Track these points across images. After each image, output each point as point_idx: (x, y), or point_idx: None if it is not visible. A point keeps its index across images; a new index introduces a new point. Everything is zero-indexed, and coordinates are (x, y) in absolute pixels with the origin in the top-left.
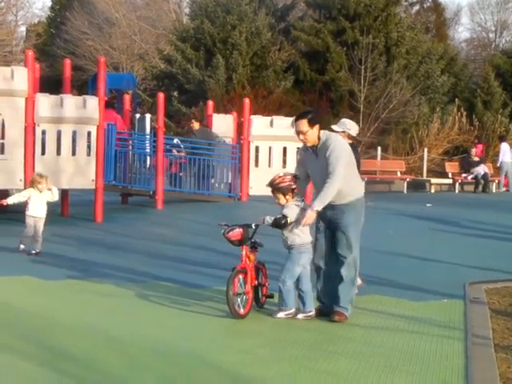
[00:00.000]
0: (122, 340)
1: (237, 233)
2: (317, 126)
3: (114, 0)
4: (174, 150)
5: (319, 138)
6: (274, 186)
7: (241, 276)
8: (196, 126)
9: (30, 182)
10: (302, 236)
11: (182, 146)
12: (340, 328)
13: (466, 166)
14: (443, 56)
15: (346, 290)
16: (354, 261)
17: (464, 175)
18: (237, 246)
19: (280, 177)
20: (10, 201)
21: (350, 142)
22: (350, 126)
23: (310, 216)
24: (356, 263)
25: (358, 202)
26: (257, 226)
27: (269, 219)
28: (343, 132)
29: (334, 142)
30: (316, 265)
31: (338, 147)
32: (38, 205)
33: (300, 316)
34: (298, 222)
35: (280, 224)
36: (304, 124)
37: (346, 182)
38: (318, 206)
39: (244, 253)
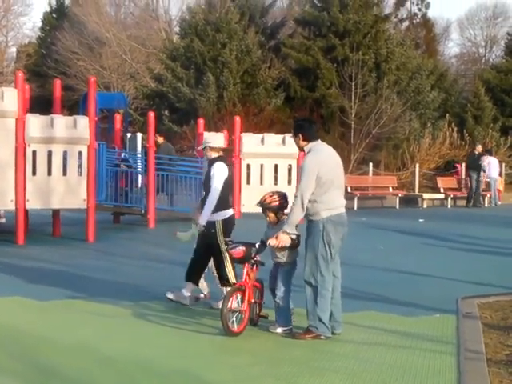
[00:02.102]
0: (115, 359)
1: (239, 251)
2: (299, 136)
3: (104, 20)
4: (122, 165)
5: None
6: (265, 205)
7: (239, 294)
8: (160, 140)
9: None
10: (286, 255)
11: (130, 160)
12: (332, 344)
13: (472, 164)
14: (433, 71)
15: (310, 307)
16: (313, 278)
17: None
18: (238, 264)
19: (270, 196)
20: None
21: (218, 155)
22: (210, 139)
23: (282, 238)
24: (316, 281)
25: (326, 221)
26: (261, 246)
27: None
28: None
29: (305, 158)
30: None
31: (304, 164)
32: None
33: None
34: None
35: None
36: (292, 134)
37: (311, 201)
38: (287, 228)
39: (245, 271)
